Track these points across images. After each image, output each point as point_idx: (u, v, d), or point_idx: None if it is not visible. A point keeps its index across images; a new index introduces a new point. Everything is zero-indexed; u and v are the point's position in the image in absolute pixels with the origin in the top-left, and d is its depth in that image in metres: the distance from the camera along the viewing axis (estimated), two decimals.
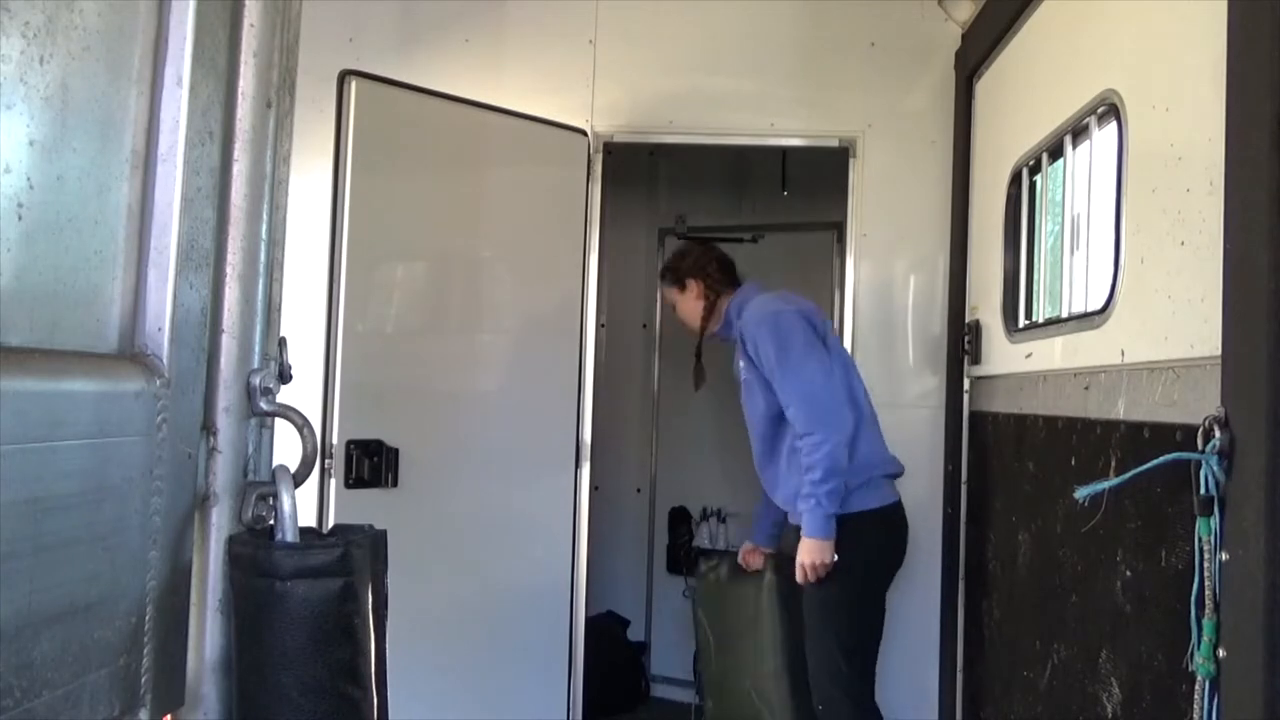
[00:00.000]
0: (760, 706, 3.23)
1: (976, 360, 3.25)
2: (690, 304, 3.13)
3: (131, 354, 0.88)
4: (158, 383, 0.88)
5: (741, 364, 2.99)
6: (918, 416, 3.46)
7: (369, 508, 2.80)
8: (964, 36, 3.45)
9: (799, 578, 2.75)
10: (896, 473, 2.93)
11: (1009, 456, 2.86)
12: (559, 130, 3.37)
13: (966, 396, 3.33)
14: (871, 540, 2.81)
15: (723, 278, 3.12)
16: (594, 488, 3.55)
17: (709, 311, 3.11)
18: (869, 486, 2.82)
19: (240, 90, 0.98)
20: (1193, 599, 1.57)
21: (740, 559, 3.34)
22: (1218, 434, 1.52)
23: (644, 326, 4.85)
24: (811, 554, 2.71)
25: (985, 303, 3.20)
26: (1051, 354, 2.57)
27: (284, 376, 1.05)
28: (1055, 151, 2.67)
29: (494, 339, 3.27)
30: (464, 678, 3.11)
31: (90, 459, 0.80)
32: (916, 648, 3.40)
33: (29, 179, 0.75)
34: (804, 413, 2.76)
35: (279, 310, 1.06)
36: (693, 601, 3.64)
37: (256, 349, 1.02)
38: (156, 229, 0.89)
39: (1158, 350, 1.92)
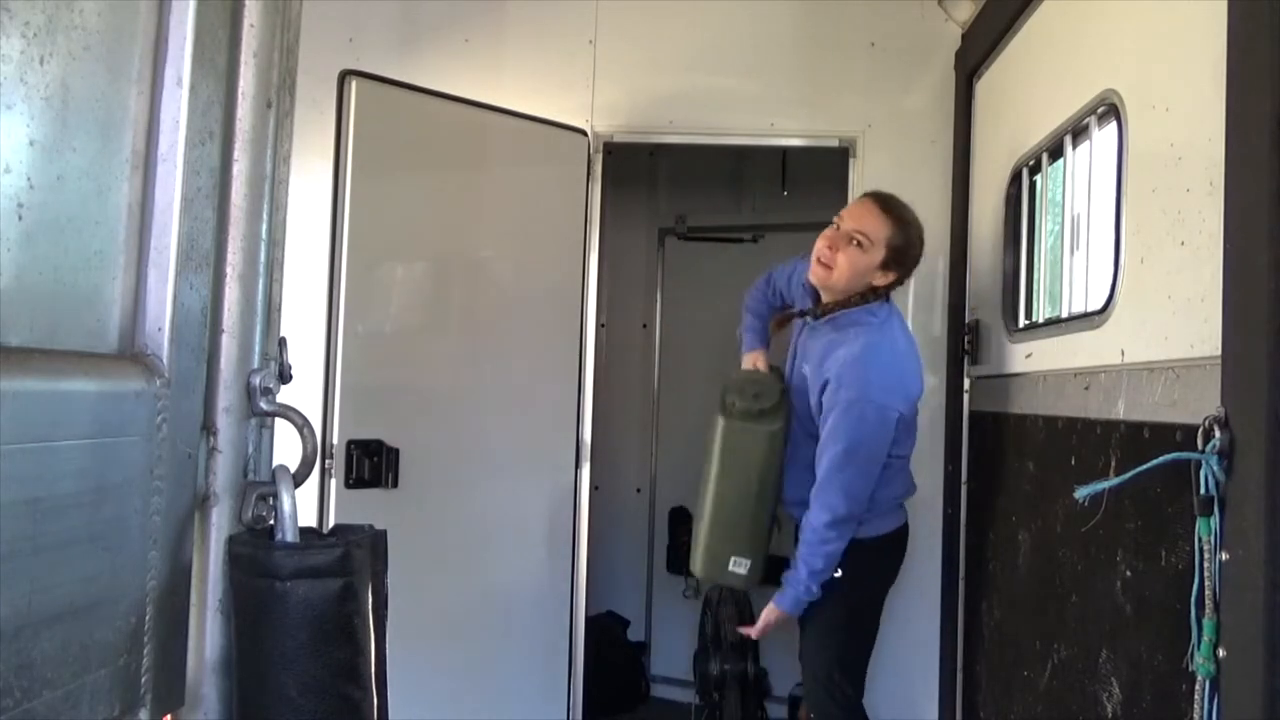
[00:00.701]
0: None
1: (976, 360, 3.25)
2: (867, 275, 2.62)
3: (131, 354, 0.88)
4: (158, 383, 0.88)
5: (808, 370, 2.68)
6: (918, 417, 3.46)
7: (369, 508, 2.81)
8: (964, 36, 3.45)
9: (754, 630, 2.79)
10: (912, 494, 2.91)
11: (1009, 456, 2.86)
12: (559, 130, 3.37)
13: (966, 396, 3.34)
14: (880, 562, 2.79)
15: (892, 290, 2.74)
16: (594, 488, 3.55)
17: (861, 297, 2.64)
18: (884, 514, 2.77)
19: (240, 90, 0.98)
20: (1193, 599, 1.57)
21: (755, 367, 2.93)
22: (1218, 434, 1.52)
23: (644, 326, 4.85)
24: (779, 624, 2.74)
25: (985, 303, 3.20)
26: (1051, 354, 2.57)
27: (284, 376, 1.05)
28: (1055, 151, 2.67)
29: (494, 339, 3.27)
30: (464, 678, 3.11)
31: (90, 459, 0.80)
32: (916, 647, 3.40)
33: (29, 179, 0.75)
34: (832, 515, 2.58)
35: (279, 310, 1.06)
36: (768, 438, 2.78)
37: (256, 349, 1.02)
38: (156, 229, 0.89)
39: (1158, 350, 1.91)
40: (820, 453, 2.61)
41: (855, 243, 2.59)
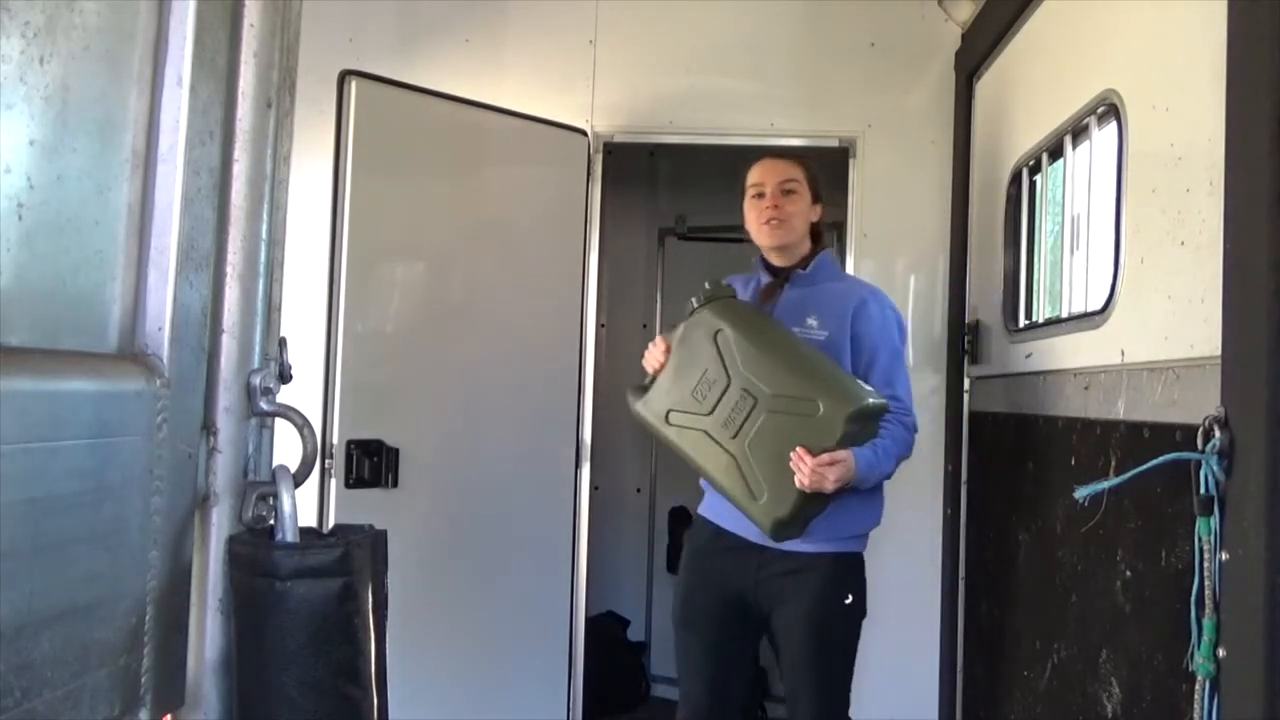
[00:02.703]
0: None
1: (976, 360, 3.25)
2: (810, 215, 2.69)
3: (131, 354, 0.88)
4: (158, 383, 0.88)
5: (815, 321, 2.55)
6: (918, 416, 3.46)
7: (369, 508, 2.81)
8: (964, 36, 3.45)
9: (819, 478, 2.26)
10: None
11: (1009, 456, 2.85)
12: (559, 130, 3.37)
13: (966, 396, 3.34)
14: (864, 579, 2.60)
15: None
16: (594, 488, 3.56)
17: (812, 241, 2.72)
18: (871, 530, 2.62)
19: (240, 90, 0.98)
20: (1193, 599, 1.57)
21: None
22: (1218, 434, 1.52)
23: (644, 326, 4.85)
24: (838, 476, 2.28)
25: (985, 303, 3.20)
26: (1051, 354, 2.57)
27: (284, 376, 1.05)
28: (1055, 151, 2.67)
29: (494, 339, 3.27)
30: (464, 677, 3.11)
31: (90, 459, 0.80)
32: (916, 647, 3.40)
33: (29, 179, 0.75)
34: (913, 419, 2.54)
35: (279, 310, 1.06)
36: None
37: (256, 349, 1.01)
38: (156, 229, 0.89)
39: (1158, 350, 1.92)
40: (884, 368, 2.51)
41: (791, 191, 2.67)
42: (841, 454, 2.30)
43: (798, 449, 2.28)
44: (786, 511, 2.33)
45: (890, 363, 2.55)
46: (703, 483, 2.63)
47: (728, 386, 2.40)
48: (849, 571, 2.55)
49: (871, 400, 2.35)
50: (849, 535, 2.54)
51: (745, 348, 2.40)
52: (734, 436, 2.38)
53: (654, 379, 2.55)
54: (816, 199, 2.72)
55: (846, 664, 2.59)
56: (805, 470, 2.27)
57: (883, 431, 2.42)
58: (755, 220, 2.70)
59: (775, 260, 2.70)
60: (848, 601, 2.53)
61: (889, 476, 2.48)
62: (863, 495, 2.46)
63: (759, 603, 2.55)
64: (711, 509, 2.65)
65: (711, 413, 2.42)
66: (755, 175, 2.75)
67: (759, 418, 2.36)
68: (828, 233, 4.43)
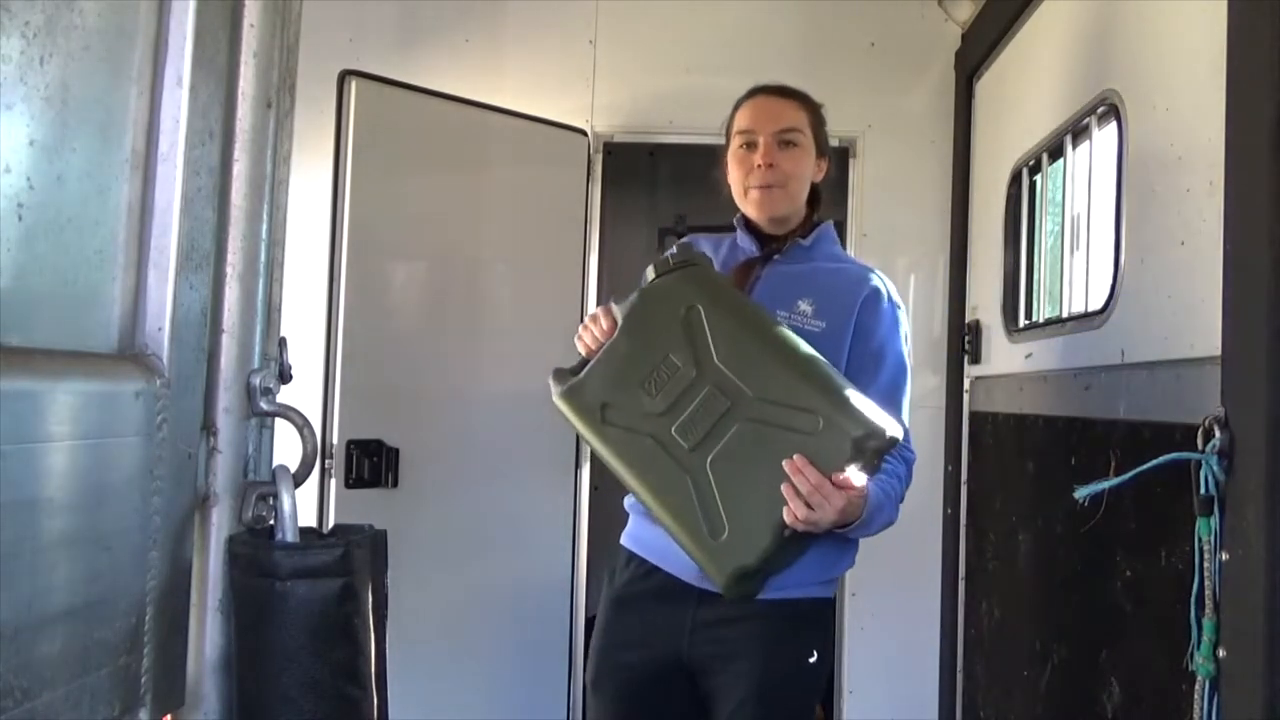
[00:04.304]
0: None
1: (976, 360, 3.25)
2: (811, 175, 2.09)
3: (131, 354, 0.88)
4: (158, 383, 0.88)
5: (810, 307, 1.95)
6: (918, 416, 3.43)
7: (369, 508, 2.81)
8: (964, 36, 3.45)
9: (819, 507, 1.62)
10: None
11: (1009, 456, 2.86)
12: (559, 130, 3.37)
13: (966, 396, 3.34)
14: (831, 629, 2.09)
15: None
16: (594, 488, 3.56)
17: (810, 208, 2.11)
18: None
19: (240, 90, 0.98)
20: (1193, 599, 1.57)
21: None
22: (1218, 434, 1.52)
23: None
24: (849, 520, 1.69)
25: (985, 303, 3.20)
26: (1051, 354, 2.57)
27: (284, 376, 1.05)
28: (1055, 151, 2.67)
29: (494, 339, 3.27)
30: (464, 678, 3.11)
31: (90, 459, 0.80)
32: (916, 647, 3.40)
33: (29, 179, 0.75)
34: (913, 454, 1.95)
35: (279, 310, 1.06)
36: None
37: (256, 349, 1.02)
38: (156, 229, 0.89)
39: (1158, 350, 1.92)
40: (888, 382, 1.92)
41: (791, 144, 2.05)
42: (859, 480, 1.68)
43: (796, 456, 1.65)
44: (754, 559, 1.68)
45: (895, 378, 1.94)
46: (629, 502, 2.08)
47: (694, 380, 1.78)
48: (814, 622, 1.96)
49: (887, 430, 1.69)
50: (818, 581, 1.95)
51: (726, 333, 1.78)
52: (694, 448, 1.75)
53: (589, 361, 1.97)
54: (821, 152, 2.10)
55: None
56: (806, 487, 1.63)
57: (887, 469, 1.80)
58: (740, 180, 2.07)
59: (765, 226, 2.09)
60: (811, 660, 1.93)
61: (888, 525, 1.86)
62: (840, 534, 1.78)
63: (692, 662, 1.94)
64: (638, 538, 2.11)
65: (666, 412, 1.79)
66: (746, 119, 2.11)
67: (731, 426, 1.74)
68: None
